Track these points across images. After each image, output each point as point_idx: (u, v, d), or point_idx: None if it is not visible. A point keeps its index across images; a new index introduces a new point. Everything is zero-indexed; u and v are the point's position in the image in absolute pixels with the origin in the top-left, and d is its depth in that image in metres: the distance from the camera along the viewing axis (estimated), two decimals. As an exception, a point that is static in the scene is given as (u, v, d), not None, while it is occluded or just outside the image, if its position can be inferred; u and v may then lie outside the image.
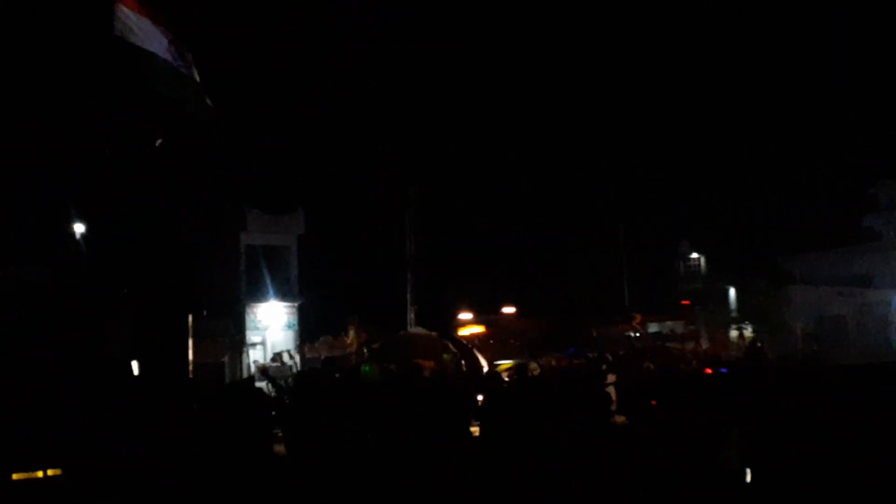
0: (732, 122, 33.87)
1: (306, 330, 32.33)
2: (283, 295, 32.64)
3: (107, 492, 7.56)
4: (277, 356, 25.75)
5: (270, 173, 33.46)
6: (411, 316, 32.11)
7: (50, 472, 7.73)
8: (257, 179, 33.30)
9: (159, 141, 10.20)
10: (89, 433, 8.17)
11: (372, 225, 35.50)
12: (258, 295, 32.08)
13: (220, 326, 28.60)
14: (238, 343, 29.90)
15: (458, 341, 23.22)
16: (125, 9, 9.68)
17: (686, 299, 34.66)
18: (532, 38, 40.40)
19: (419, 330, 24.99)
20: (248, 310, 31.83)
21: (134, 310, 9.57)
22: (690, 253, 37.68)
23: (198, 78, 10.48)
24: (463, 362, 16.17)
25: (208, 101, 10.59)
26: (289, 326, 32.65)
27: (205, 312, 28.54)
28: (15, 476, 7.56)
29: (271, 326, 32.22)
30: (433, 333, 23.88)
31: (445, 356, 20.23)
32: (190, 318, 10.67)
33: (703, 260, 37.55)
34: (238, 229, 32.30)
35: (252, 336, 31.27)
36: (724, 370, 16.79)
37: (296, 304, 32.97)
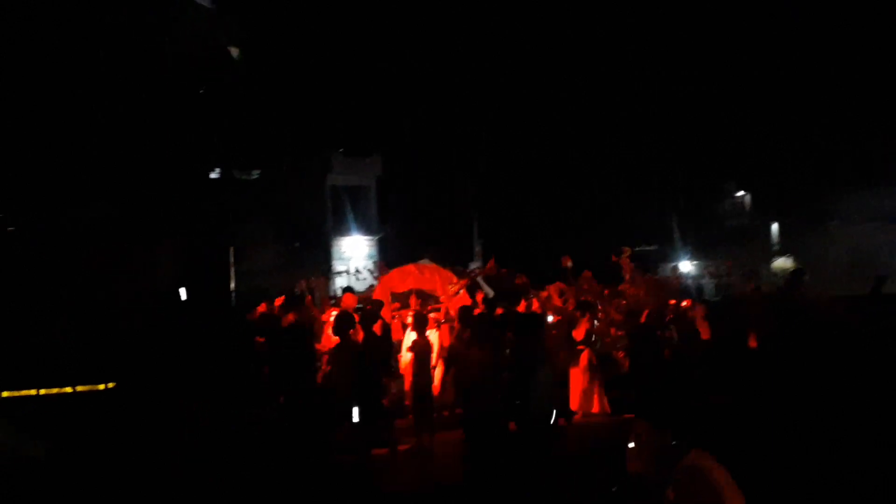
0: (782, 66, 31.72)
1: (386, 260, 32.73)
2: (364, 229, 33.31)
3: (153, 402, 7.77)
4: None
5: (353, 122, 33.47)
6: (477, 248, 32.20)
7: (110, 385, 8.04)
8: (341, 127, 33.41)
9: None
10: (142, 351, 8.44)
11: (444, 168, 35.23)
12: (342, 229, 33.18)
13: (310, 256, 29.27)
14: (326, 271, 30.62)
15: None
16: None
17: (731, 235, 33.19)
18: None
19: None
20: (333, 242, 32.74)
21: (181, 244, 9.71)
22: (736, 191, 35.94)
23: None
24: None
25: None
26: (369, 257, 33.31)
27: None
28: (79, 388, 7.90)
29: (354, 257, 32.97)
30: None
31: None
32: (231, 251, 10.77)
33: (748, 197, 35.80)
34: (324, 171, 33.02)
35: (338, 265, 31.99)
36: None
37: (375, 238, 33.54)
